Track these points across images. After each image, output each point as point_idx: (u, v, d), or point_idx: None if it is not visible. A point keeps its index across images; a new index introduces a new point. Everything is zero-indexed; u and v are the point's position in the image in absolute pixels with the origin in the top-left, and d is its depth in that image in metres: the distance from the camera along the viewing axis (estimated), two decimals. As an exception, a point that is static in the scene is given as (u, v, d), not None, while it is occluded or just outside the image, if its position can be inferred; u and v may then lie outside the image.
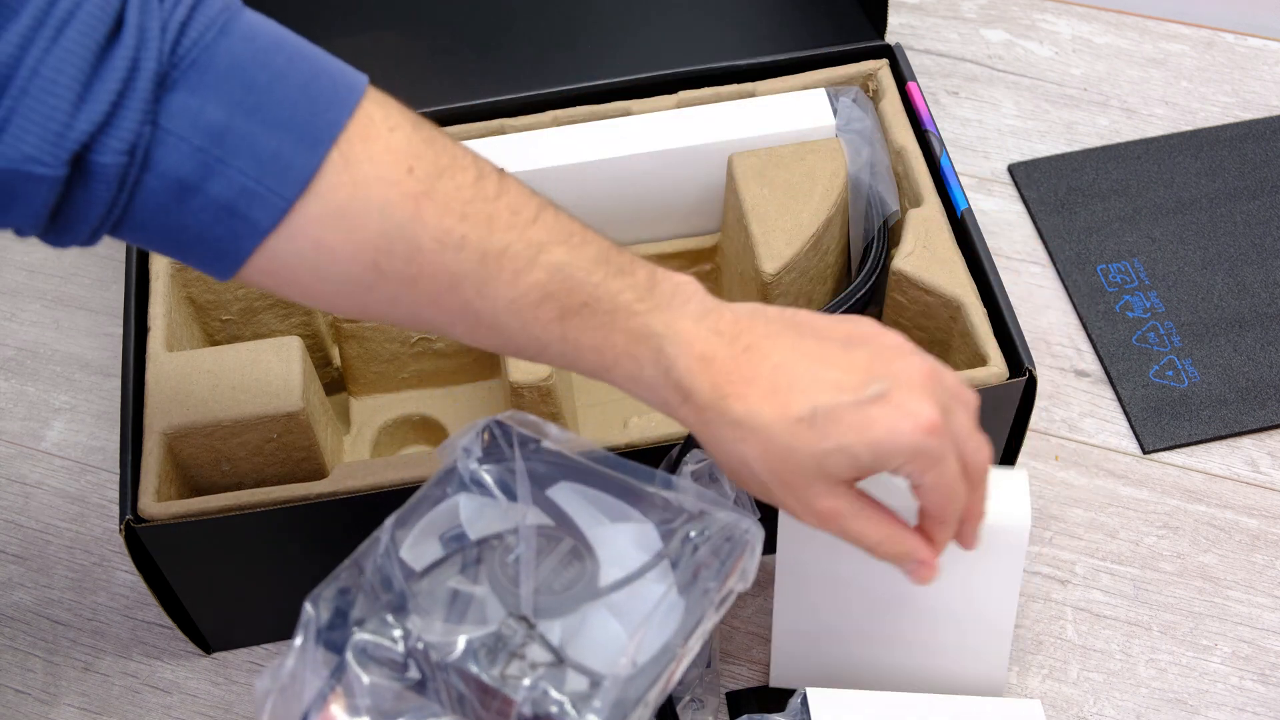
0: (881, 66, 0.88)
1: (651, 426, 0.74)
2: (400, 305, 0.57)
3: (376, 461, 0.74)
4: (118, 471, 0.73)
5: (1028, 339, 0.82)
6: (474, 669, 0.52)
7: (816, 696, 0.70)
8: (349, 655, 0.53)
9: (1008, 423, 0.79)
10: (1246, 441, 0.88)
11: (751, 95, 0.87)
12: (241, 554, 0.75)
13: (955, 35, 1.11)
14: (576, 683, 0.53)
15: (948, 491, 0.57)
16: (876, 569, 0.72)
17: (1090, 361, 0.92)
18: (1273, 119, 1.03)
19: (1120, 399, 0.90)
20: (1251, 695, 0.78)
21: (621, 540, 0.58)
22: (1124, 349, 0.92)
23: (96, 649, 0.82)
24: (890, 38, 0.94)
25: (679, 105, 0.87)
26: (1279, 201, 0.99)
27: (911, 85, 0.87)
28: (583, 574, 0.56)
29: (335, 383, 0.90)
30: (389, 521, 0.57)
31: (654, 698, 0.55)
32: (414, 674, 0.53)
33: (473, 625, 0.54)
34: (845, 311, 0.79)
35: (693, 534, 0.59)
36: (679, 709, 0.70)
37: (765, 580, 0.83)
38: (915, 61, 1.07)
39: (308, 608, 0.54)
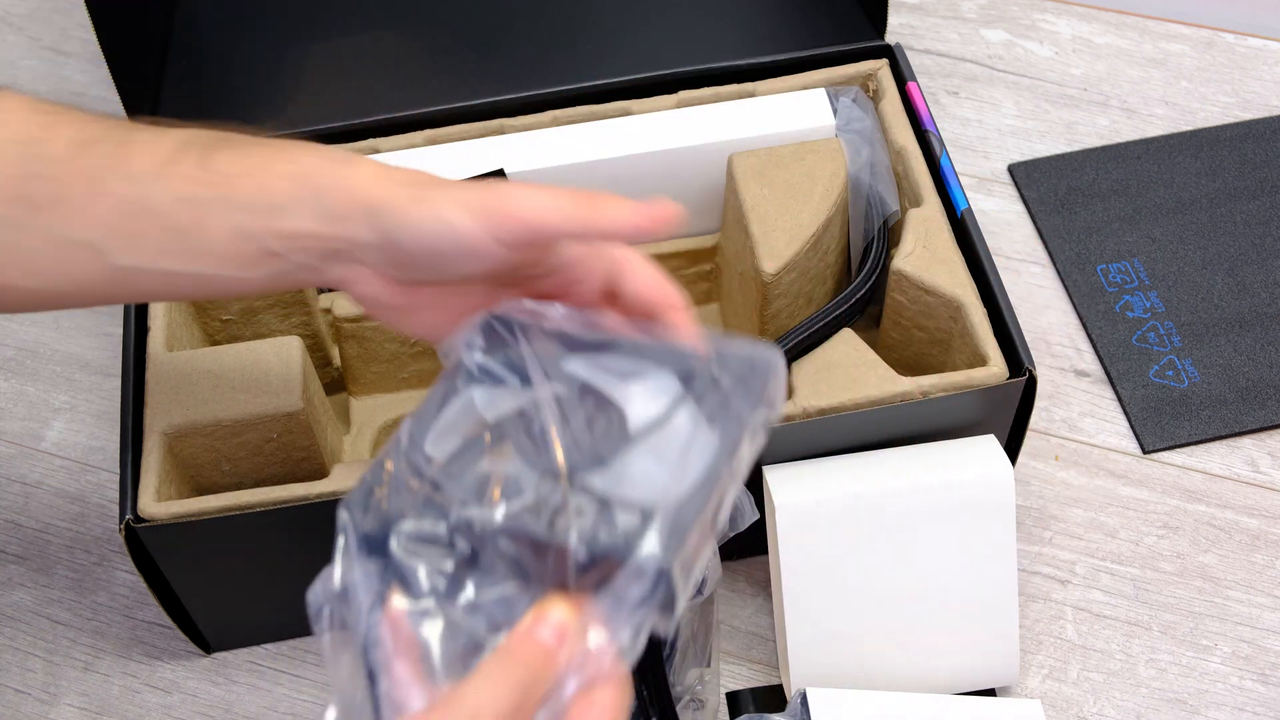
0: (881, 66, 0.88)
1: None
2: (57, 236, 0.58)
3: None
4: (118, 471, 0.73)
5: (1028, 339, 0.82)
6: (522, 528, 0.52)
7: (816, 696, 0.70)
8: (394, 546, 0.53)
9: (1008, 423, 0.79)
10: (1246, 441, 0.88)
11: (751, 95, 0.87)
12: (241, 554, 0.75)
13: (955, 35, 1.11)
14: (627, 520, 0.52)
15: None
16: (878, 563, 0.72)
17: (1090, 361, 0.92)
18: (1273, 119, 1.03)
19: (1120, 399, 0.90)
20: (1251, 695, 0.78)
21: (642, 391, 0.57)
22: (1124, 349, 0.92)
23: (96, 649, 0.82)
24: (890, 38, 0.94)
25: (679, 105, 0.87)
26: (1279, 201, 0.99)
27: (911, 85, 0.87)
28: (610, 425, 0.56)
29: (335, 383, 0.90)
30: (406, 422, 0.56)
31: (707, 522, 0.54)
32: (464, 548, 0.53)
33: (510, 496, 0.54)
34: (845, 311, 0.79)
35: (714, 368, 0.58)
36: (679, 709, 0.70)
37: (765, 580, 0.83)
38: (915, 61, 1.07)
39: (342, 514, 0.54)
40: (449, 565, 0.52)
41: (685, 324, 0.60)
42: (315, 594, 0.53)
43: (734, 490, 0.56)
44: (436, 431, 0.56)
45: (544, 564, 0.52)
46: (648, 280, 0.60)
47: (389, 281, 0.60)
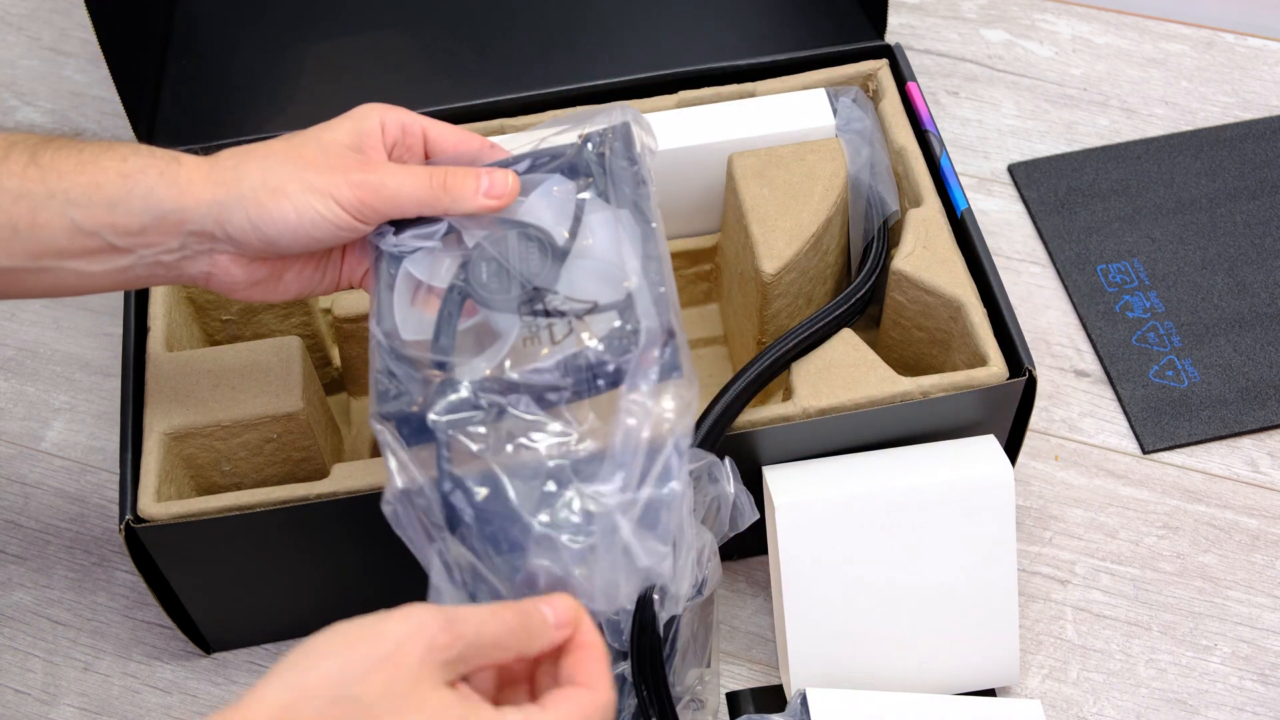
0: (881, 66, 0.88)
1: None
2: None
3: (376, 461, 0.74)
4: (118, 471, 0.73)
5: (1028, 339, 0.82)
6: (541, 363, 0.56)
7: (816, 696, 0.70)
8: (437, 428, 0.56)
9: (1008, 423, 0.79)
10: (1246, 441, 0.88)
11: (751, 95, 0.87)
12: (241, 554, 0.75)
13: (955, 35, 1.11)
14: (614, 314, 0.58)
15: None
16: (878, 563, 0.72)
17: (1090, 361, 0.92)
18: (1273, 119, 1.03)
19: (1120, 399, 0.90)
20: (1251, 695, 0.78)
21: (545, 204, 0.63)
22: (1124, 349, 0.92)
23: (96, 649, 0.82)
24: (890, 38, 0.94)
25: (679, 105, 0.87)
26: (1279, 201, 0.99)
27: (911, 85, 0.87)
28: (543, 246, 0.61)
29: (335, 383, 0.90)
30: (372, 325, 0.61)
31: (671, 275, 0.59)
32: (496, 401, 0.57)
33: (500, 343, 0.58)
34: (845, 311, 0.79)
35: (589, 146, 0.63)
36: (679, 709, 0.70)
37: (765, 580, 0.83)
38: (915, 61, 1.07)
39: (376, 426, 0.57)
40: (489, 416, 0.57)
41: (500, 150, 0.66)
42: (388, 508, 0.57)
43: (663, 243, 0.61)
44: (401, 317, 0.61)
45: (567, 383, 0.57)
46: (454, 140, 0.66)
47: (249, 261, 0.63)
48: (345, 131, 0.63)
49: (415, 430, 0.57)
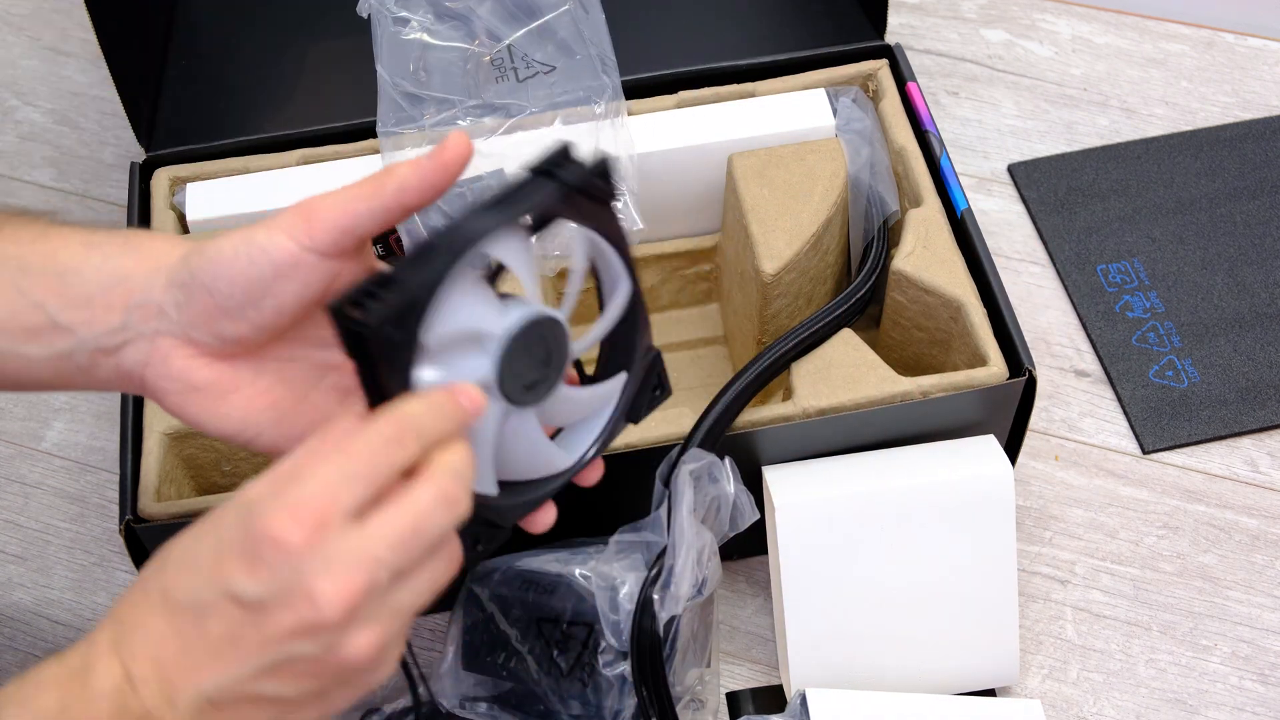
0: (881, 66, 0.88)
1: (650, 427, 0.74)
2: None
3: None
4: (118, 471, 0.73)
5: (1028, 339, 0.82)
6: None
7: (816, 696, 0.70)
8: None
9: (1008, 423, 0.79)
10: (1246, 441, 0.88)
11: (751, 95, 0.87)
12: (241, 554, 0.75)
13: (955, 35, 1.11)
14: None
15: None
16: (878, 563, 0.72)
17: (1090, 361, 0.92)
18: (1273, 119, 1.03)
19: (1120, 399, 0.90)
20: (1251, 695, 0.78)
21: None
22: (1124, 349, 0.92)
23: (96, 649, 0.82)
24: (890, 38, 0.94)
25: (679, 105, 0.87)
26: (1279, 201, 0.99)
27: (911, 85, 0.87)
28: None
29: (335, 383, 0.90)
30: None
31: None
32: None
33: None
34: (845, 311, 0.79)
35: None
36: (679, 709, 0.70)
37: (765, 580, 0.83)
38: (915, 61, 1.07)
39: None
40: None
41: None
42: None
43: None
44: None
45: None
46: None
47: (198, 352, 0.55)
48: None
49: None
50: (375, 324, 0.49)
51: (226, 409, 0.56)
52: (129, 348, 0.55)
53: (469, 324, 0.52)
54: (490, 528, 0.56)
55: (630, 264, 0.58)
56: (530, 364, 0.55)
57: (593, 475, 0.60)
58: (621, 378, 0.61)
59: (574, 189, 0.55)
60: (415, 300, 0.50)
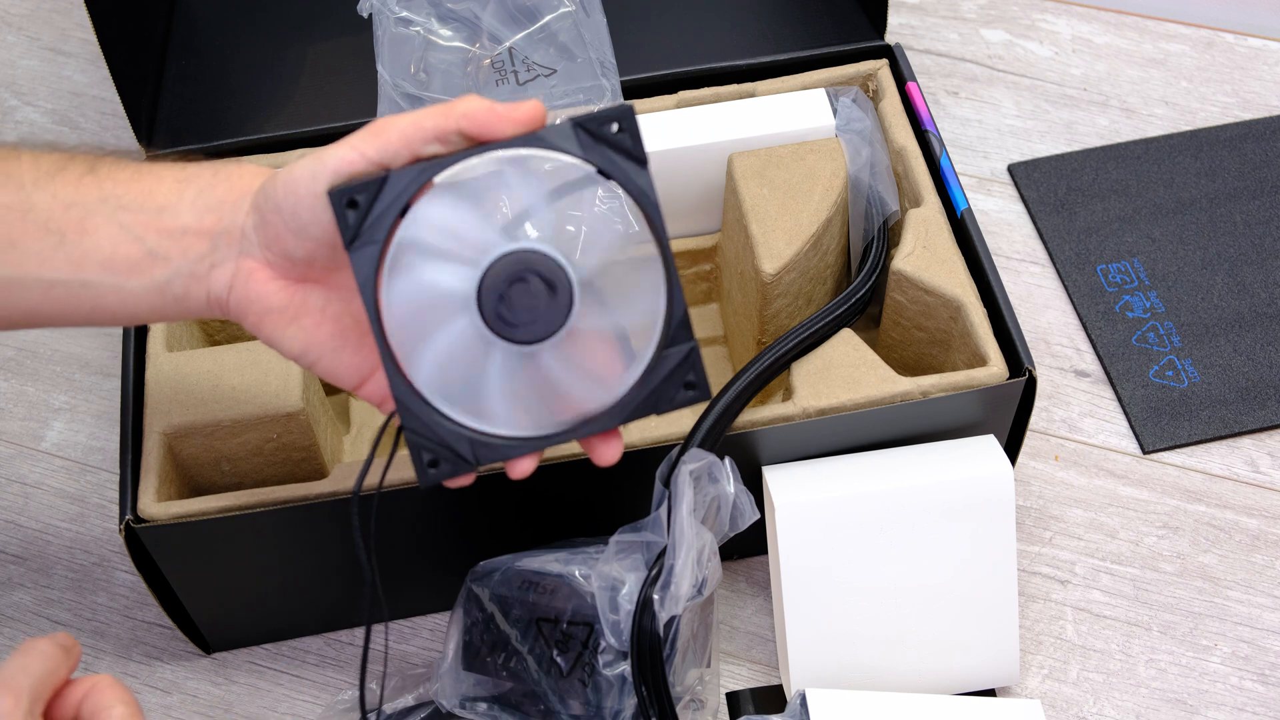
0: (881, 66, 0.88)
1: (650, 427, 0.74)
2: None
3: (376, 461, 0.74)
4: (118, 471, 0.73)
5: (1028, 339, 0.82)
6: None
7: (816, 696, 0.70)
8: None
9: (1008, 423, 0.79)
10: (1246, 441, 0.88)
11: (751, 95, 0.87)
12: (241, 554, 0.75)
13: (955, 35, 1.11)
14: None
15: None
16: (878, 563, 0.72)
17: (1090, 361, 0.92)
18: (1273, 119, 1.03)
19: (1120, 399, 0.90)
20: (1251, 695, 0.78)
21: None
22: (1124, 349, 0.92)
23: (96, 649, 0.82)
24: (890, 38, 0.94)
25: (679, 105, 0.87)
26: (1279, 201, 0.99)
27: (911, 85, 0.87)
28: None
29: (335, 383, 0.90)
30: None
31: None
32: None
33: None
34: (845, 311, 0.79)
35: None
36: (679, 709, 0.70)
37: (765, 580, 0.83)
38: (915, 61, 1.07)
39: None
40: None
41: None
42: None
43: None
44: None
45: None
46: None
47: (275, 274, 0.59)
48: None
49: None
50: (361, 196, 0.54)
51: (295, 331, 0.60)
52: (217, 271, 0.59)
53: (464, 232, 0.55)
54: (456, 457, 0.57)
55: (659, 231, 0.58)
56: (526, 301, 0.55)
57: (607, 453, 0.60)
58: (646, 357, 0.59)
59: (619, 151, 0.56)
60: (389, 178, 0.55)
